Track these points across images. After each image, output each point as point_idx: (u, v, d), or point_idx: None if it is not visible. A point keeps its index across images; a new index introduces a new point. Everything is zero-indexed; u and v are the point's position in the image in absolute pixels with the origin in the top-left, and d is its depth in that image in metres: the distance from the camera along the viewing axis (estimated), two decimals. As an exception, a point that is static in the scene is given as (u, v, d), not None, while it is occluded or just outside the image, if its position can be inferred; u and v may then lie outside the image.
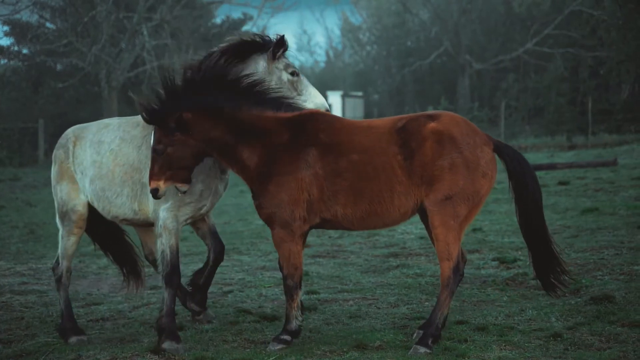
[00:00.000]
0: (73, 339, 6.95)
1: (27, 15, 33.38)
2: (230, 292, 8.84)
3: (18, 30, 34.09)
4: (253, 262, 10.79)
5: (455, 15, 46.42)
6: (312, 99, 6.87)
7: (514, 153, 6.52)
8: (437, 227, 6.24)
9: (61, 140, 7.41)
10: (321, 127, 6.35)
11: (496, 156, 6.46)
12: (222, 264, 10.55)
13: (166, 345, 6.47)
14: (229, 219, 15.60)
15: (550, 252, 6.54)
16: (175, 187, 6.46)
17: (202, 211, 6.92)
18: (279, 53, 6.85)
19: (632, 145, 28.94)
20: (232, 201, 19.15)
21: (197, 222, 7.29)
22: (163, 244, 6.73)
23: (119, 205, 7.00)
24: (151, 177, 6.33)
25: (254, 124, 6.35)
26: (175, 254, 6.76)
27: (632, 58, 36.56)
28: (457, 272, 6.29)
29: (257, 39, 6.89)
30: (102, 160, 7.06)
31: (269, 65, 6.84)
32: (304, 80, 6.95)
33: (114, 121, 7.38)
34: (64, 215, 7.26)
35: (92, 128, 7.39)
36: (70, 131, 7.46)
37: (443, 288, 6.28)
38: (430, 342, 6.20)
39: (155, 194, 6.37)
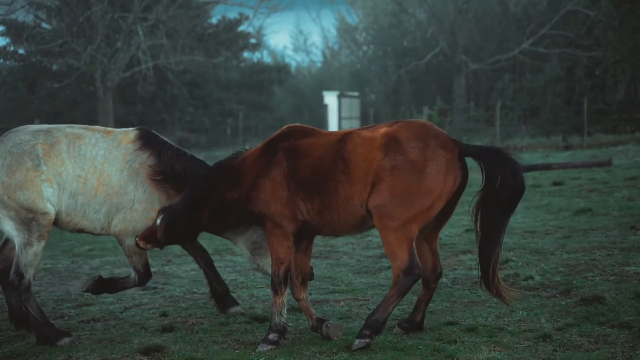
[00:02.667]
0: (65, 340, 6.92)
1: (23, 16, 33.39)
2: (221, 293, 8.83)
3: (13, 30, 34.10)
4: (245, 262, 10.77)
5: (452, 15, 46.44)
6: None
7: (485, 151, 6.40)
8: (378, 229, 6.33)
9: (22, 147, 6.98)
10: (292, 135, 6.69)
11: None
12: (214, 264, 10.64)
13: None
14: (223, 219, 15.60)
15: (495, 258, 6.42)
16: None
17: None
18: None
19: (627, 146, 29.00)
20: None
21: None
22: (135, 262, 7.39)
23: (92, 220, 7.22)
24: (142, 239, 6.86)
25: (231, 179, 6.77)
26: (147, 266, 7.47)
27: (628, 58, 36.67)
28: (410, 273, 6.21)
29: None
30: (87, 176, 7.12)
31: None
32: None
33: (86, 133, 7.31)
34: (30, 222, 6.93)
35: (58, 135, 7.15)
36: (29, 138, 7.07)
37: (392, 286, 6.32)
38: (367, 333, 6.26)
39: (139, 248, 6.99)
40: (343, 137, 6.50)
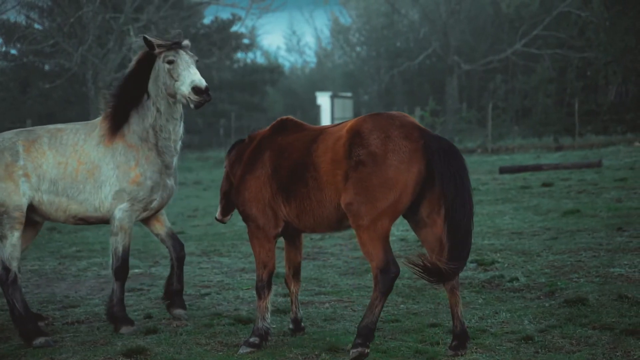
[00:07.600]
0: (40, 340, 6.95)
1: (14, 16, 33.36)
2: (207, 294, 8.83)
3: (5, 30, 34.03)
4: (233, 264, 10.79)
5: (444, 16, 46.50)
6: (184, 80, 7.17)
7: (441, 147, 5.95)
8: (354, 229, 6.11)
9: (3, 144, 7.35)
10: (282, 131, 6.70)
11: None
12: (201, 265, 10.64)
13: (123, 330, 7.23)
14: (212, 220, 15.59)
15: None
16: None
17: (153, 205, 7.49)
18: (156, 51, 7.31)
19: (618, 147, 29.08)
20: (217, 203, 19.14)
21: (155, 226, 7.78)
22: (117, 241, 7.37)
23: (81, 201, 7.38)
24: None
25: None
26: (127, 251, 7.43)
27: (619, 59, 36.78)
28: (387, 270, 5.92)
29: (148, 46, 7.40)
30: (68, 161, 7.39)
31: (157, 63, 7.37)
32: (179, 64, 7.23)
33: (67, 126, 7.68)
34: (1, 215, 7.20)
35: (40, 133, 7.51)
36: (11, 136, 7.45)
37: (374, 288, 6.06)
38: (359, 342, 6.03)
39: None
40: (316, 139, 6.38)
